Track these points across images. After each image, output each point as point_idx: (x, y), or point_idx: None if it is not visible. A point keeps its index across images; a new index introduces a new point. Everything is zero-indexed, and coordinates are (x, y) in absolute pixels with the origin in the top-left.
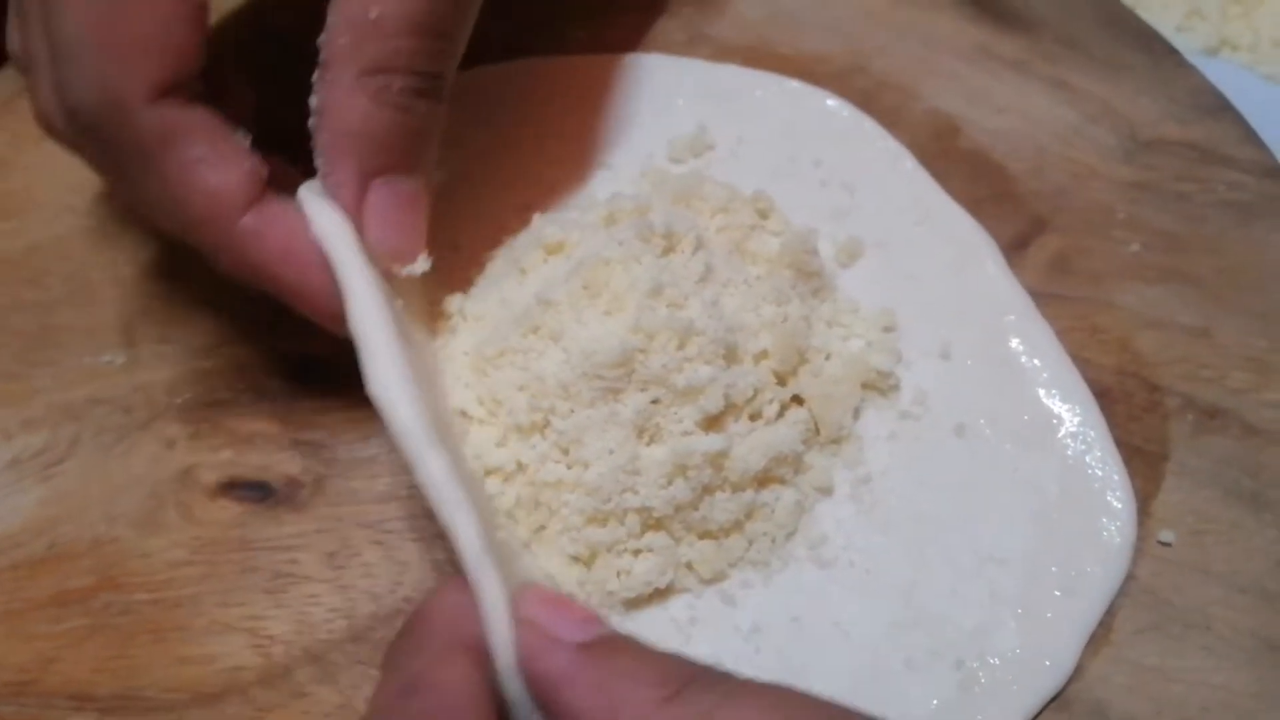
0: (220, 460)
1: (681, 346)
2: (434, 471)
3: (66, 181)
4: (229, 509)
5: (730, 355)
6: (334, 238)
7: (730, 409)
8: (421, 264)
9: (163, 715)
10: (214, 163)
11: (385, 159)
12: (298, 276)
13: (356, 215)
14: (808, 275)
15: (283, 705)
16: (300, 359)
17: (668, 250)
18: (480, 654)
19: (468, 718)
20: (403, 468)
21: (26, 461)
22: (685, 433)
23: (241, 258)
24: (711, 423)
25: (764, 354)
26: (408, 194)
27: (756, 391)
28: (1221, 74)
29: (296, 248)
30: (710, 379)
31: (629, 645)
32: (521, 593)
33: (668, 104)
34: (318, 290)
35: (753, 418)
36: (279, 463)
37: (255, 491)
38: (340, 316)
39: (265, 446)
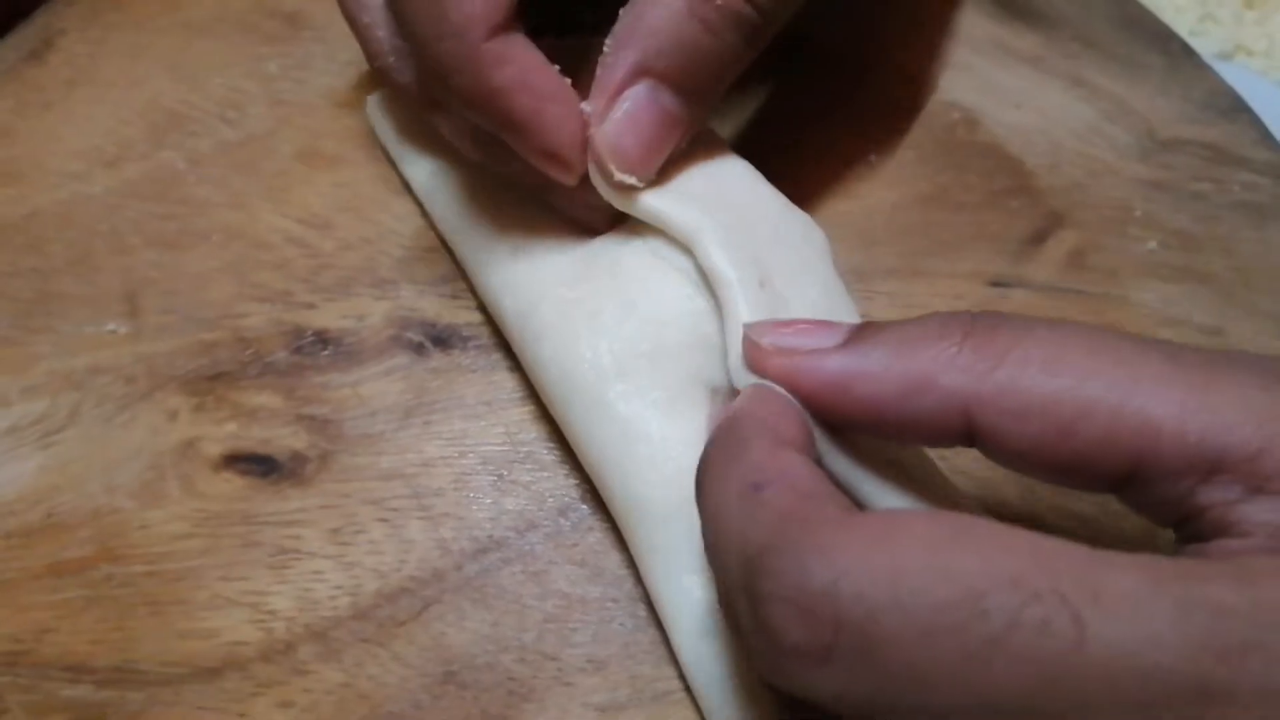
0: (224, 433)
1: None
2: None
3: (71, 149)
4: (232, 482)
5: None
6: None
7: None
8: (639, 179)
9: (160, 689)
10: None
11: (667, 66)
12: (532, 105)
13: (609, 102)
14: None
15: (283, 681)
16: (307, 332)
17: None
18: (804, 448)
19: (823, 499)
20: (407, 446)
21: (25, 429)
22: None
23: (478, 79)
24: None
25: None
26: (667, 109)
27: None
28: (1235, 79)
29: (535, 81)
30: None
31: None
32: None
33: None
34: (549, 122)
35: None
36: (283, 437)
37: (259, 465)
38: (568, 155)
39: (270, 420)
